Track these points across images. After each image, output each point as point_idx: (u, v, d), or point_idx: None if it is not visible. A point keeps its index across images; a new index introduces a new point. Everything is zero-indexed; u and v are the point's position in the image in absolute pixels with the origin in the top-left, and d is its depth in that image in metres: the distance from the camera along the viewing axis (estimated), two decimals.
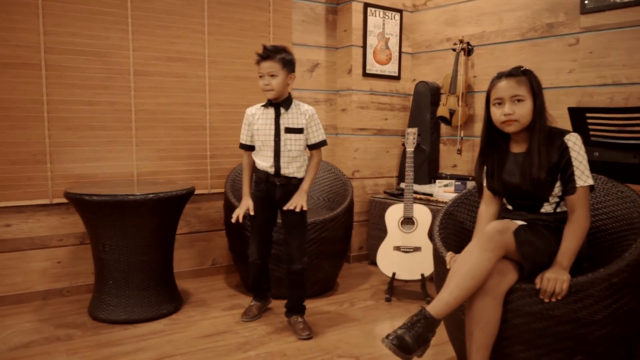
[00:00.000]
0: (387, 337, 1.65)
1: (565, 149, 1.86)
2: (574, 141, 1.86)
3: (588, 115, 2.24)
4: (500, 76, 1.93)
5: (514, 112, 1.87)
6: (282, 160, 2.38)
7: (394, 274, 2.95)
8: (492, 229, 1.78)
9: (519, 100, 1.86)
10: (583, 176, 1.84)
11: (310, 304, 2.83)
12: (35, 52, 2.77)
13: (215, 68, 3.30)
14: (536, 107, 1.88)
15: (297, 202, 2.37)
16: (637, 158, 2.14)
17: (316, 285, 2.97)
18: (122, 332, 2.44)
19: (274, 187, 2.42)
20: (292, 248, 2.43)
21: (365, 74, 3.72)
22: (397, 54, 3.87)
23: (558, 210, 1.91)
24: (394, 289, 3.07)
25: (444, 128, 3.82)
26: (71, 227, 2.92)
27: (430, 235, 2.56)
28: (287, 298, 2.54)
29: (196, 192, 3.23)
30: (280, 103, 2.39)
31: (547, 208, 1.92)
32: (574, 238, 1.80)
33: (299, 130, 2.39)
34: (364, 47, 3.69)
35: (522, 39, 3.33)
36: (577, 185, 1.83)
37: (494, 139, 2.00)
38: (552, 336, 1.71)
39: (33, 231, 2.85)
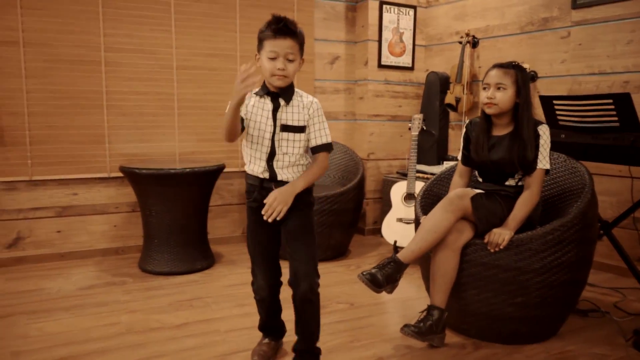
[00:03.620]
0: (362, 273, 2.10)
1: (537, 137, 2.22)
2: (544, 131, 2.23)
3: (555, 102, 2.58)
4: (494, 66, 2.30)
5: (495, 96, 2.24)
6: (276, 164, 1.86)
7: (395, 242, 3.38)
8: (453, 194, 2.19)
9: (502, 88, 2.23)
10: (544, 160, 2.21)
11: (322, 266, 3.29)
12: (96, 51, 3.35)
13: (245, 62, 3.78)
14: (521, 99, 2.23)
15: (273, 202, 1.79)
16: (594, 139, 2.47)
17: (329, 251, 3.44)
18: (165, 280, 3.00)
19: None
20: (297, 262, 1.87)
21: (381, 66, 4.13)
22: (411, 46, 4.25)
23: (519, 184, 2.29)
24: None
25: (452, 114, 4.18)
26: (125, 197, 3.51)
27: None
28: (297, 335, 1.97)
29: (229, 169, 3.75)
30: (279, 93, 1.84)
31: (510, 182, 2.31)
32: (522, 208, 2.18)
33: (300, 129, 1.86)
34: (380, 41, 4.09)
35: (521, 32, 3.65)
36: (537, 166, 2.20)
37: (485, 121, 2.36)
38: (498, 282, 2.12)
39: (95, 199, 3.45)
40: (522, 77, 2.24)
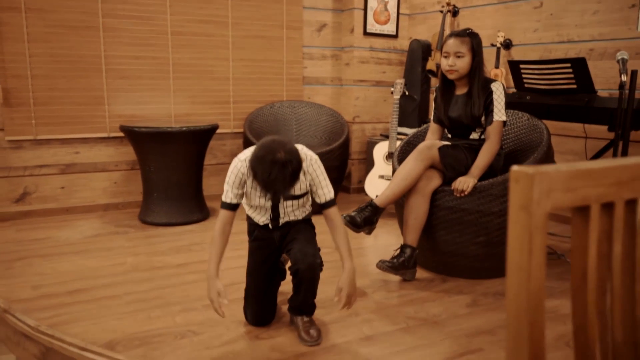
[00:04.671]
0: (342, 215, 2.36)
1: (490, 93, 2.49)
2: (496, 87, 2.49)
3: (521, 66, 2.83)
4: (450, 35, 2.55)
5: (455, 64, 2.50)
6: (282, 220, 1.99)
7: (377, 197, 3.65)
8: (422, 145, 2.46)
9: (460, 56, 2.49)
10: (499, 113, 2.47)
11: None
12: (94, 17, 3.53)
13: (237, 28, 3.99)
14: (475, 62, 2.49)
15: (348, 295, 1.88)
16: (554, 100, 2.73)
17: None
18: (164, 230, 3.26)
19: (270, 232, 2.01)
20: (298, 246, 1.91)
21: (366, 33, 4.33)
22: (395, 15, 4.45)
23: (482, 137, 2.56)
24: None
25: (433, 80, 4.41)
26: (124, 155, 3.74)
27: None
28: (293, 298, 1.99)
29: (221, 131, 3.98)
30: None
31: (474, 135, 2.58)
32: (484, 156, 2.45)
33: (303, 195, 1.96)
34: (365, 9, 4.29)
35: (497, 2, 3.87)
36: (494, 119, 2.47)
37: (446, 84, 2.63)
38: (463, 224, 2.40)
39: (96, 158, 3.67)
40: (477, 43, 2.49)
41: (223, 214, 1.93)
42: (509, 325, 0.67)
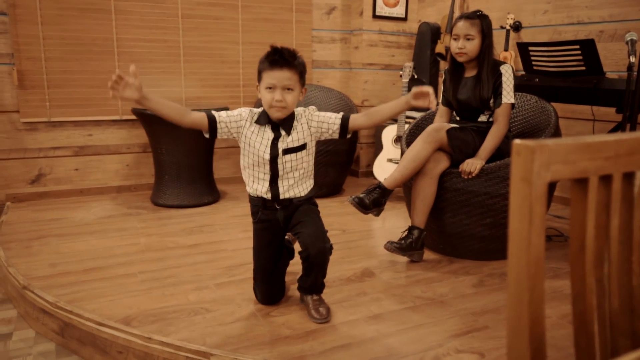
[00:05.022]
0: (351, 197, 2.41)
1: (499, 75, 2.50)
2: (506, 69, 2.50)
3: (530, 48, 2.83)
4: (460, 17, 2.56)
5: (464, 46, 2.50)
6: (281, 184, 1.93)
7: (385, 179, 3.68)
8: (430, 128, 2.48)
9: (470, 39, 2.49)
10: (508, 96, 2.48)
11: (318, 201, 3.63)
12: (106, 0, 3.55)
13: (246, 12, 4.00)
14: (485, 45, 2.50)
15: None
16: (563, 82, 2.74)
17: (324, 188, 3.75)
18: (175, 212, 3.32)
19: (274, 212, 1.98)
20: (306, 231, 1.88)
21: (375, 16, 4.33)
22: None
23: (490, 120, 2.58)
24: None
25: (442, 63, 4.41)
26: (136, 138, 3.79)
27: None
28: (303, 279, 2.01)
29: None
30: (280, 123, 1.87)
31: (482, 118, 2.59)
32: (492, 139, 2.47)
33: (302, 147, 1.91)
34: None
35: None
36: (502, 102, 2.48)
37: (455, 66, 2.64)
38: (470, 205, 2.43)
39: (108, 140, 3.73)
40: (487, 25, 2.50)
41: (198, 112, 1.91)
42: (510, 292, 0.70)
